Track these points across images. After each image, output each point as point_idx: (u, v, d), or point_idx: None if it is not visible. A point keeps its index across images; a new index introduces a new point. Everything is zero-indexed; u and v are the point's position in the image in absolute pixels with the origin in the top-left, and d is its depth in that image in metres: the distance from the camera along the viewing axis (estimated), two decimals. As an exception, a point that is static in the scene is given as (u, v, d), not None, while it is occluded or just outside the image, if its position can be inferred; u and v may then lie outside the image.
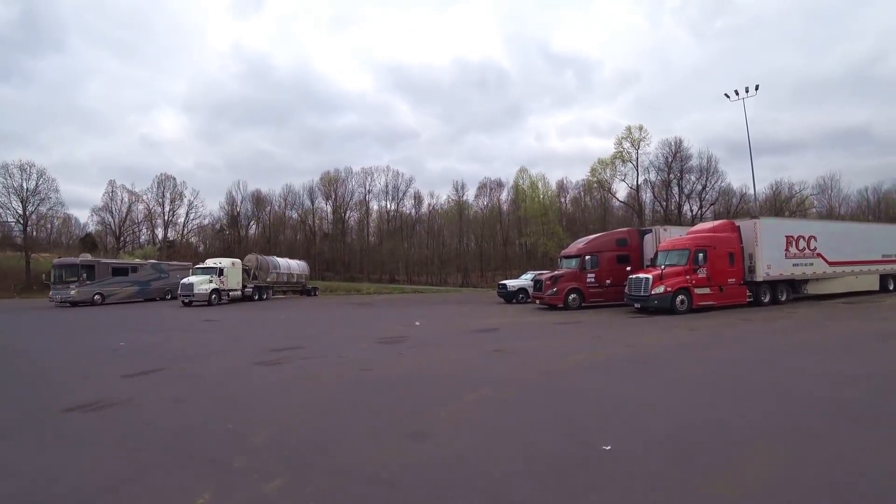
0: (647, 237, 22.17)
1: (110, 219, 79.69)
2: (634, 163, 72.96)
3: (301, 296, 41.56)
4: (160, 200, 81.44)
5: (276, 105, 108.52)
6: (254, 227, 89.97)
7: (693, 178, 71.46)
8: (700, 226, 21.09)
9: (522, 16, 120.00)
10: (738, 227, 19.65)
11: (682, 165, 71.89)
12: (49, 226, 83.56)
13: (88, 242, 77.14)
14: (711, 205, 70.95)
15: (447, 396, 5.94)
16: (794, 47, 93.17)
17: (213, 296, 29.31)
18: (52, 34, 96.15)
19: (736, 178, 78.55)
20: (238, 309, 25.35)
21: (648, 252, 21.92)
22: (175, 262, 41.22)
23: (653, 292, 17.21)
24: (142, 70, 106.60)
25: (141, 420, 5.33)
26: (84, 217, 79.52)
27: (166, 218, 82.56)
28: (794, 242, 20.79)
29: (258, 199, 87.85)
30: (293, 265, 41.41)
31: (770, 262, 19.73)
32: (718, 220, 20.78)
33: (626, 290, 18.68)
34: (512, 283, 26.01)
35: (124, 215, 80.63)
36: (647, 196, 74.28)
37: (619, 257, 21.12)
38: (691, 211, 71.90)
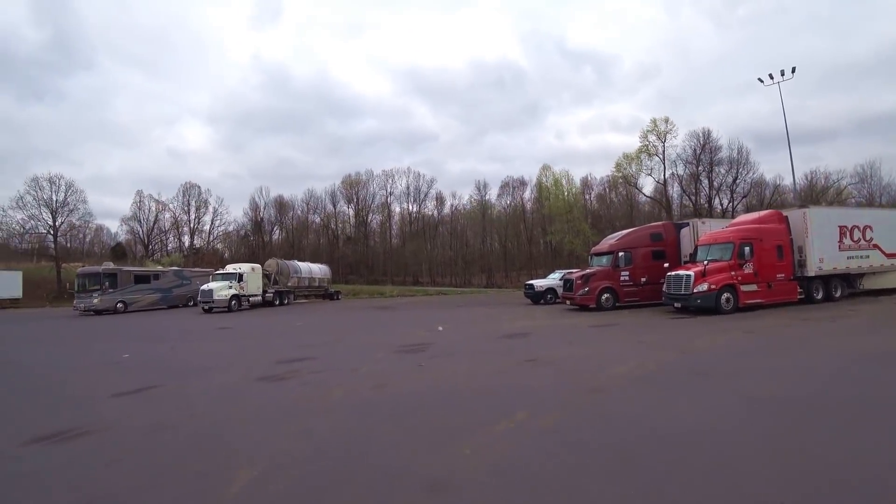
0: (684, 231, 20.69)
1: (139, 228, 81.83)
2: (661, 156, 70.64)
3: (324, 300, 41.06)
4: (185, 208, 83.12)
5: (296, 113, 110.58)
6: (277, 232, 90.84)
7: (723, 170, 68.58)
8: (743, 217, 19.50)
9: (536, 13, 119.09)
10: (787, 217, 18.03)
11: (712, 157, 69.14)
12: (81, 236, 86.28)
13: (119, 251, 78.89)
14: (743, 197, 67.94)
15: (474, 424, 4.86)
16: (821, 31, 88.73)
17: (234, 302, 28.83)
18: (82, 54, 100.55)
19: (766, 169, 74.21)
20: (257, 315, 24.74)
21: (686, 247, 20.46)
22: (197, 269, 41.20)
23: (695, 290, 15.80)
24: (166, 84, 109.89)
25: (103, 459, 4.41)
26: (115, 227, 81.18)
27: (192, 225, 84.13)
28: (848, 233, 19.06)
29: (281, 205, 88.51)
30: (315, 269, 40.90)
31: (823, 254, 18.08)
32: (764, 211, 19.18)
33: (664, 288, 17.29)
34: (539, 283, 24.72)
35: (152, 224, 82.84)
36: (674, 190, 71.73)
37: (654, 253, 19.70)
38: (721, 205, 69.19)
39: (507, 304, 25.46)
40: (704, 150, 69.18)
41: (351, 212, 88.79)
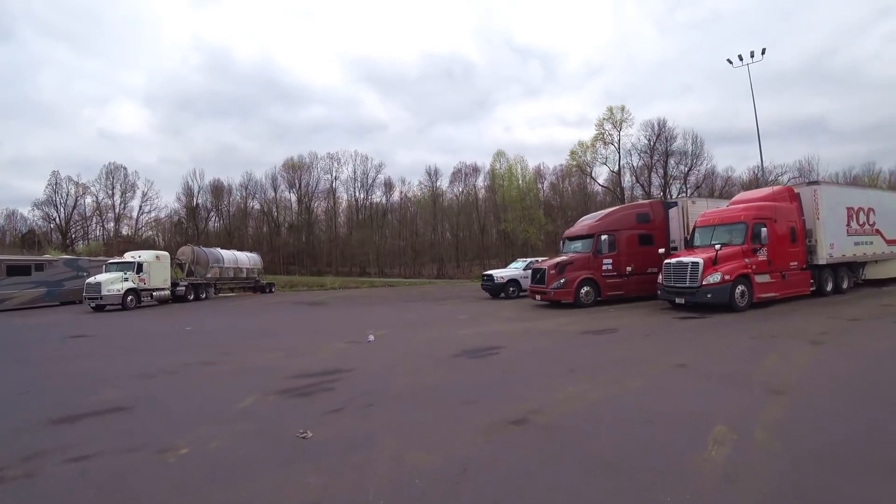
0: (672, 212, 17.41)
1: (55, 213, 72.73)
2: (616, 145, 69.18)
3: (255, 293, 35.83)
4: (109, 192, 74.69)
5: (239, 97, 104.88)
6: (215, 219, 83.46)
7: (674, 161, 68.00)
8: (748, 194, 16.29)
9: (485, 7, 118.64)
10: (798, 195, 14.99)
11: (667, 147, 68.40)
12: None
13: (29, 239, 69.46)
14: (696, 188, 67.54)
15: None
16: (751, 40, 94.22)
17: (130, 297, 23.40)
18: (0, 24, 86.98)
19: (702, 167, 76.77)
20: (148, 315, 19.61)
21: (675, 230, 17.19)
22: (99, 258, 34.74)
23: (704, 282, 12.38)
24: (96, 61, 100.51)
25: None
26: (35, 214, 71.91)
27: (117, 211, 75.77)
28: (854, 216, 16.35)
29: (217, 189, 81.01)
30: (241, 258, 35.50)
31: (833, 239, 15.23)
32: (774, 186, 16.10)
33: (659, 279, 13.82)
34: (500, 274, 20.81)
35: (71, 209, 73.75)
36: (627, 180, 70.41)
37: (640, 237, 16.27)
38: (671, 196, 68.54)
39: (463, 299, 21.50)
40: (659, 140, 68.31)
41: (293, 198, 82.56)
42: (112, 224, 76.62)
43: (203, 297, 29.30)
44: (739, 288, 12.51)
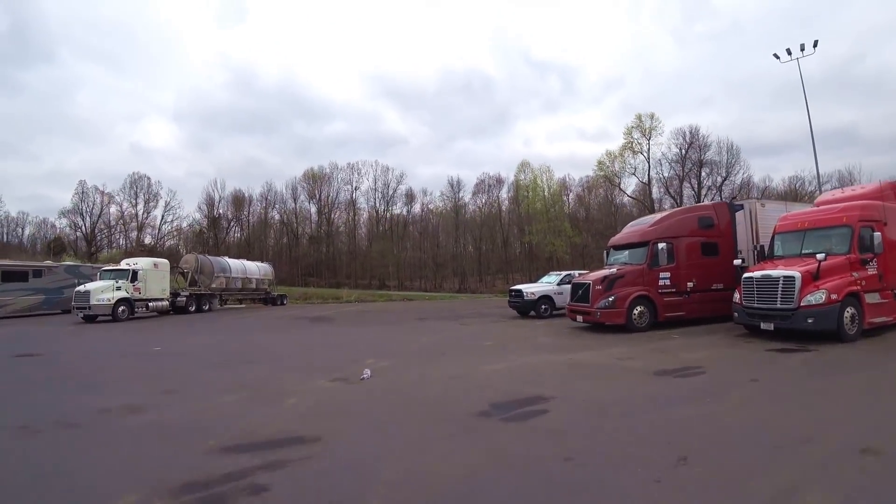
0: (738, 216, 14.54)
1: (81, 222, 72.82)
2: (646, 154, 65.87)
3: (265, 305, 33.75)
4: (133, 201, 74.57)
5: (263, 113, 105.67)
6: (236, 229, 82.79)
7: (707, 171, 64.33)
8: (836, 193, 13.28)
9: (502, 23, 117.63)
10: (908, 193, 12.01)
11: (701, 157, 64.76)
12: (20, 230, 77.34)
13: (57, 246, 69.56)
14: (732, 199, 63.61)
15: None
16: (773, 49, 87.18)
17: (121, 308, 21.39)
18: (42, 46, 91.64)
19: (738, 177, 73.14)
20: (124, 329, 17.44)
21: (742, 238, 14.32)
22: (107, 266, 33.16)
23: (803, 303, 9.51)
24: (129, 80, 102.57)
25: None
26: (62, 222, 73.03)
27: (140, 220, 75.50)
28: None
29: (237, 200, 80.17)
30: (251, 268, 33.50)
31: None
32: (872, 183, 13.11)
33: (737, 298, 10.97)
34: (530, 290, 18.01)
35: (97, 218, 73.82)
36: (659, 191, 66.92)
37: (703, 246, 13.42)
38: (707, 207, 64.70)
39: (487, 317, 18.80)
40: (692, 148, 64.81)
41: (313, 209, 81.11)
42: (135, 233, 76.38)
43: (206, 309, 27.23)
44: (849, 311, 9.60)
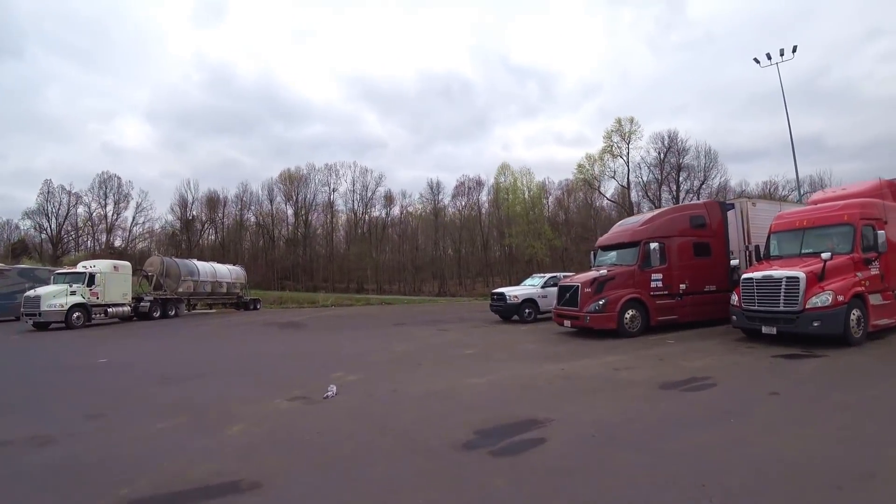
0: (730, 215, 13.96)
1: (47, 223, 69.55)
2: (625, 157, 66.02)
3: (237, 310, 32.26)
4: (102, 202, 71.53)
5: (240, 114, 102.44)
6: (210, 232, 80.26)
7: (685, 175, 64.97)
8: (831, 192, 12.78)
9: (481, 28, 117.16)
10: (903, 190, 11.55)
11: (679, 161, 65.23)
12: None
13: (19, 249, 66.22)
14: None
15: None
16: (745, 59, 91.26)
17: (76, 314, 19.85)
18: (9, 40, 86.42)
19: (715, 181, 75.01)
20: (73, 337, 16.03)
21: (734, 239, 13.75)
22: (61, 269, 31.30)
23: (808, 305, 8.86)
24: (103, 78, 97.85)
25: None
26: (27, 224, 69.28)
27: (110, 221, 72.50)
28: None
29: (211, 201, 77.71)
30: (221, 271, 32.04)
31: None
32: (866, 181, 12.59)
33: (735, 301, 10.30)
34: (513, 293, 17.15)
35: (63, 219, 70.66)
36: (638, 194, 67.18)
37: (695, 246, 12.77)
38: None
39: (468, 322, 17.90)
40: (671, 152, 65.28)
41: (290, 211, 79.23)
42: (104, 235, 73.34)
43: (172, 314, 25.73)
44: (855, 313, 8.98)
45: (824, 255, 9.04)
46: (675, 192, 66.61)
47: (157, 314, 24.65)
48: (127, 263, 24.59)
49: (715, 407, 5.25)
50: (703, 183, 65.22)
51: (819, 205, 11.48)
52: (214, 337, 15.41)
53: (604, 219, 69.98)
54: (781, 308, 9.19)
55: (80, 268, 22.13)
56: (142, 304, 24.06)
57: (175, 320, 24.06)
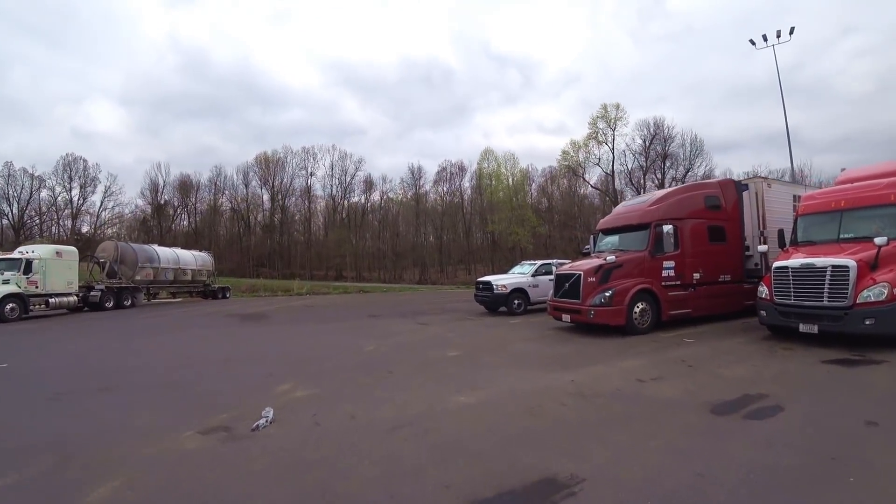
0: (745, 196, 12.44)
1: (8, 208, 65.40)
2: (610, 144, 64.71)
3: (204, 299, 30.07)
4: (66, 186, 67.53)
5: (217, 99, 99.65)
6: (183, 217, 76.97)
7: (670, 163, 64.09)
8: (860, 170, 11.34)
9: (463, 14, 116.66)
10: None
11: (665, 148, 64.19)
12: None
13: (-25, 235, 62.29)
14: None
15: None
16: (723, 53, 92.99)
17: (10, 306, 17.60)
18: None
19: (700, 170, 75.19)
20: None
21: (749, 222, 12.26)
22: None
23: (859, 300, 7.36)
24: (71, 60, 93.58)
25: None
26: None
27: (76, 206, 68.63)
28: None
29: (184, 186, 74.27)
30: (186, 258, 29.73)
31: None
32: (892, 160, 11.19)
33: (763, 295, 8.79)
34: (501, 282, 15.46)
35: (25, 204, 66.54)
36: (623, 181, 66.06)
37: (710, 231, 11.23)
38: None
39: (450, 314, 16.19)
40: (656, 140, 64.19)
41: (266, 196, 76.29)
42: (70, 221, 69.49)
43: (128, 305, 23.46)
44: (913, 309, 7.54)
45: (878, 240, 7.52)
46: (659, 181, 65.64)
47: (111, 304, 22.40)
48: (72, 249, 22.23)
49: (806, 449, 3.65)
50: (688, 171, 64.34)
51: (857, 184, 10.01)
52: (161, 332, 13.45)
53: (588, 206, 68.98)
54: (825, 303, 7.69)
55: (15, 254, 19.75)
56: (92, 293, 21.80)
57: (129, 311, 21.83)
